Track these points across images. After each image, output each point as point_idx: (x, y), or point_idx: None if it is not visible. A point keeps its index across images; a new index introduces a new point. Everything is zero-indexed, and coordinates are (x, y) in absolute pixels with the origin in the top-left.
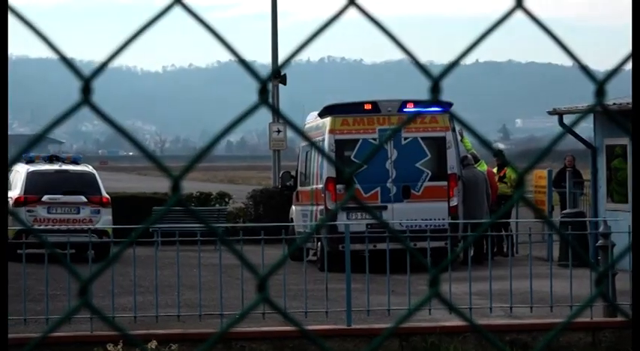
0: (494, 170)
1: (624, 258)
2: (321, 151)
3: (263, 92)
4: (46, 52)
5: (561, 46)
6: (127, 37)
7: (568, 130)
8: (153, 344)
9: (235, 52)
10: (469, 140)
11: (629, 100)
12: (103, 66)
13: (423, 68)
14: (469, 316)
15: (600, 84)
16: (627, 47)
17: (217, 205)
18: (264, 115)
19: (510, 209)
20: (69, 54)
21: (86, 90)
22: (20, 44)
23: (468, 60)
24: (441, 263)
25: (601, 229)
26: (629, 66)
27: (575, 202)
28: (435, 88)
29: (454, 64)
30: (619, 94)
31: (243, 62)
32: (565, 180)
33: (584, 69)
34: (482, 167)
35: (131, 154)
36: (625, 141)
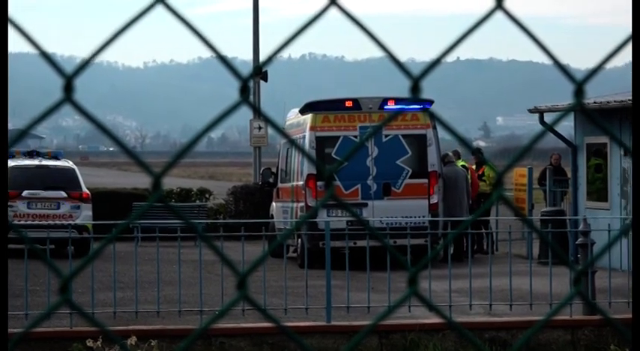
0: (473, 168)
1: (604, 256)
2: (301, 149)
3: (244, 91)
4: (27, 47)
5: (540, 45)
6: (110, 35)
7: (548, 129)
8: (132, 340)
9: (217, 51)
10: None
11: (610, 98)
12: (85, 64)
13: (403, 68)
14: (448, 314)
15: (579, 84)
16: (609, 46)
17: (197, 201)
18: (245, 111)
19: (490, 207)
20: (49, 49)
21: (68, 88)
22: None
23: (449, 58)
24: (420, 262)
25: (581, 227)
26: (609, 65)
27: (555, 200)
28: (415, 88)
29: (434, 65)
30: (601, 92)
31: (224, 60)
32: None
33: (563, 69)
34: (462, 164)
35: (112, 149)
36: (605, 139)
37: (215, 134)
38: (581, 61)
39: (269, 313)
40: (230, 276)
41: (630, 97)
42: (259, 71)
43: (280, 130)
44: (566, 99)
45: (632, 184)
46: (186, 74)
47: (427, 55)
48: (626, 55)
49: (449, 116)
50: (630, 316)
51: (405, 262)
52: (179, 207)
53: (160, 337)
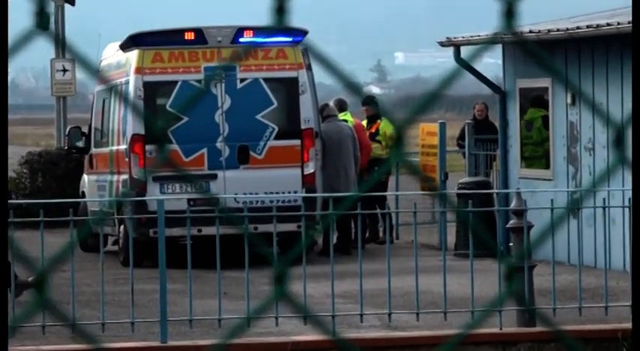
0: (364, 124)
1: (545, 245)
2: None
3: (40, 15)
4: None
5: None
6: None
7: (464, 66)
8: None
9: None
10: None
11: (552, 26)
12: None
13: None
14: (330, 328)
15: (509, 2)
16: None
17: None
18: (43, 48)
19: (386, 178)
20: None
21: None
22: None
23: None
24: (290, 254)
25: (513, 204)
26: None
27: (478, 167)
28: (281, 9)
29: None
30: (536, 18)
31: None
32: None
33: None
34: (349, 119)
35: None
36: (545, 83)
37: None
38: None
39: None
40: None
41: (579, 26)
42: None
43: (87, 64)
44: (490, 28)
45: (632, 179)
46: None
47: None
48: None
49: (330, 52)
50: (583, 326)
51: (269, 254)
52: None
53: None
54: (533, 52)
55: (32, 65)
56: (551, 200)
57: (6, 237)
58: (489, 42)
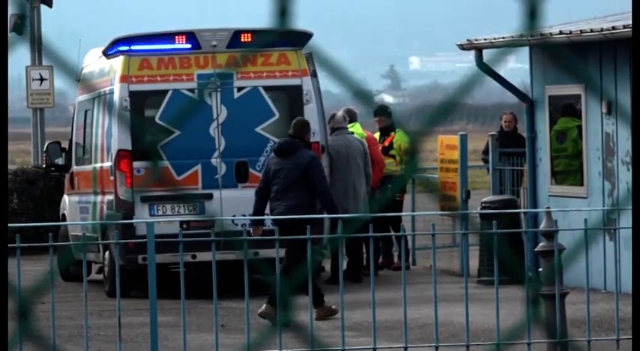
0: (376, 137)
1: (579, 270)
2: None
3: (22, 19)
4: None
5: None
6: None
7: (488, 71)
8: None
9: None
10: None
11: (585, 26)
12: None
13: None
14: None
15: (532, 2)
16: None
17: None
18: (17, 54)
19: (401, 197)
20: None
21: None
22: None
23: None
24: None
25: (542, 225)
26: None
27: (503, 183)
28: (284, 11)
29: None
30: (568, 18)
31: None
32: (504, 150)
33: None
34: (358, 131)
35: None
36: (578, 89)
37: None
38: None
39: None
40: None
41: (615, 26)
42: None
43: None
44: (516, 29)
45: (632, 180)
46: None
47: None
48: None
49: (338, 57)
50: None
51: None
52: None
53: None
54: (560, 56)
55: None
56: (585, 220)
57: (6, 239)
58: (512, 45)
